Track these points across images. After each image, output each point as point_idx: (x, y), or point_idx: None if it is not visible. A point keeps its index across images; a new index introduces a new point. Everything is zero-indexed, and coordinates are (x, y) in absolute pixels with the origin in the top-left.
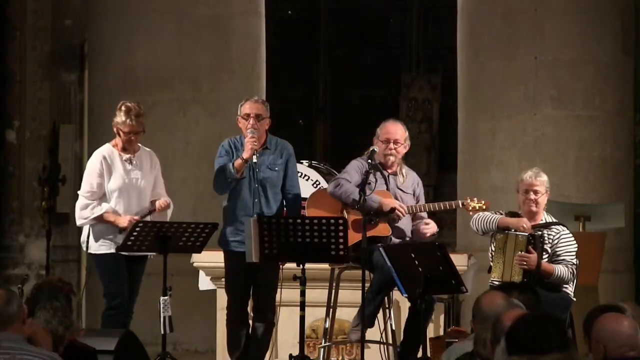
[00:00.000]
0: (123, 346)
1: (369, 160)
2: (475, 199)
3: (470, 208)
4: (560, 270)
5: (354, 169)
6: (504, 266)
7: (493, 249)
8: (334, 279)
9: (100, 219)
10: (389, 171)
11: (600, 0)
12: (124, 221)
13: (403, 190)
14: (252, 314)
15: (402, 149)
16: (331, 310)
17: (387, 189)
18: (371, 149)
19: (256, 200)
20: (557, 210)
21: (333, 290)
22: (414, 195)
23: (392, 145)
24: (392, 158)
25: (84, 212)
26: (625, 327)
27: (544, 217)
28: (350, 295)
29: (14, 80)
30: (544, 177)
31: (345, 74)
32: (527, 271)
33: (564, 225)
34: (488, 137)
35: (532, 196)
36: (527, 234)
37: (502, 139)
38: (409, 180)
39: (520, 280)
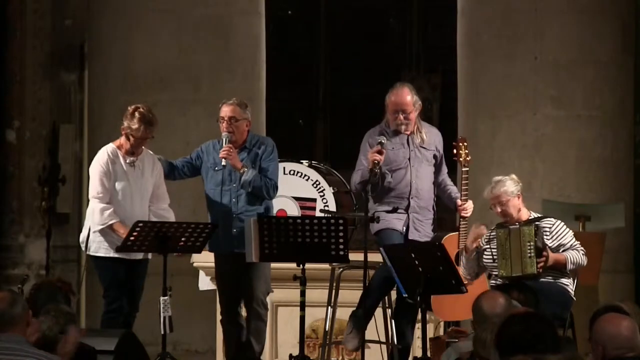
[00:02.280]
0: (123, 346)
1: (374, 169)
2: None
3: (462, 159)
4: (572, 256)
5: (363, 154)
6: (512, 262)
7: (493, 249)
8: (334, 279)
9: (110, 227)
10: (407, 133)
11: (600, 0)
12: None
13: (426, 148)
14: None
15: (414, 115)
16: (331, 310)
17: (409, 151)
18: (379, 140)
19: (234, 199)
20: (557, 210)
21: (333, 291)
22: (437, 152)
23: (401, 117)
24: (404, 127)
25: (102, 217)
26: (623, 329)
27: (531, 216)
28: (351, 296)
29: (14, 80)
30: (500, 187)
31: (345, 74)
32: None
33: (552, 217)
34: (488, 137)
35: (498, 209)
36: (532, 225)
37: (502, 139)
38: (431, 137)
39: (535, 272)
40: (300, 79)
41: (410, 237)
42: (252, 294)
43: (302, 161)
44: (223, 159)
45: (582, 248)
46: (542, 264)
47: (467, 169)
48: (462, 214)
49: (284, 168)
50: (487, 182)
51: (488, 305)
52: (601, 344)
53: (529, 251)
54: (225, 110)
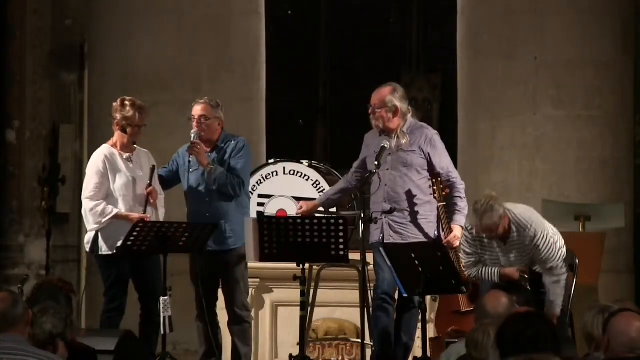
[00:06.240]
0: (123, 346)
1: (375, 162)
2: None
3: (436, 195)
4: (556, 298)
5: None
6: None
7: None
8: (313, 278)
9: (114, 217)
10: (378, 128)
11: (600, 0)
12: (136, 217)
13: (404, 150)
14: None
15: (384, 113)
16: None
17: (386, 155)
18: (382, 144)
19: (206, 199)
20: (557, 210)
21: (312, 290)
22: (422, 152)
23: (370, 109)
24: (375, 122)
25: (94, 216)
26: (633, 330)
27: (514, 226)
28: (351, 295)
29: (14, 80)
30: (489, 220)
31: (345, 74)
32: None
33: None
34: (488, 137)
35: (489, 235)
36: None
37: (502, 139)
38: (413, 138)
39: None
40: (300, 79)
41: (386, 241)
42: (232, 298)
43: (302, 161)
44: (190, 155)
45: (563, 271)
46: None
47: (444, 204)
48: (452, 246)
49: (284, 168)
50: (487, 183)
51: (491, 305)
52: (609, 336)
53: None
54: (196, 109)
